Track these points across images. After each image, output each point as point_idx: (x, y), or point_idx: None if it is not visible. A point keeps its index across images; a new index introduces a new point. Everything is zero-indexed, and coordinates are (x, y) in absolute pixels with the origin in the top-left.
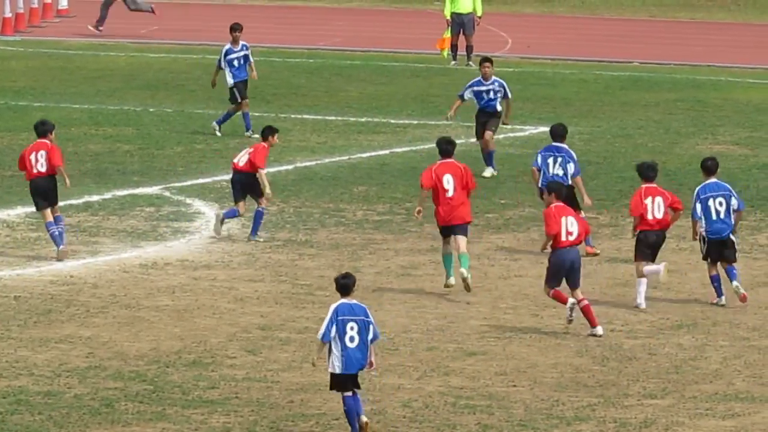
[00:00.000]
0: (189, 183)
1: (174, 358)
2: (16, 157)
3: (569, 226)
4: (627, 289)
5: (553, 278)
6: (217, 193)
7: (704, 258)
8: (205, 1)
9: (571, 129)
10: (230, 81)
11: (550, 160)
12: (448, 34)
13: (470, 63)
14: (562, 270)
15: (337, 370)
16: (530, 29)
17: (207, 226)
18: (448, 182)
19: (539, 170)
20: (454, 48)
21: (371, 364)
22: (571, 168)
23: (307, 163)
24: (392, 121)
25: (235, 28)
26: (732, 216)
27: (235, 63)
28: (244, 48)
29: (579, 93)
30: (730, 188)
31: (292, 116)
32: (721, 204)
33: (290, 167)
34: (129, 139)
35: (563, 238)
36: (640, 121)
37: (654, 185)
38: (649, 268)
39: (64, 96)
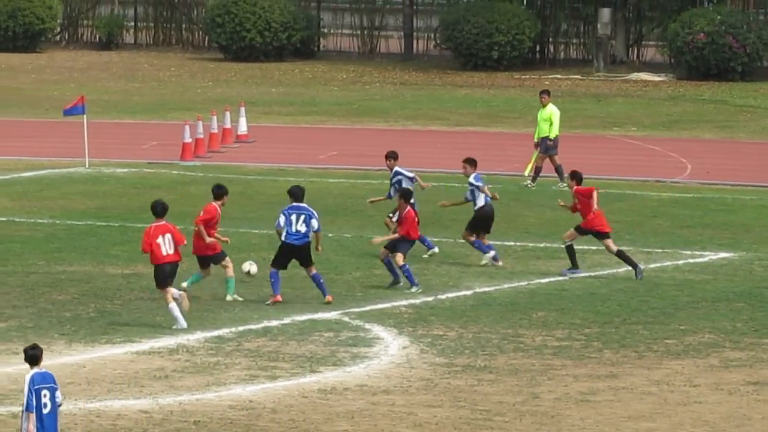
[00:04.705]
0: (368, 308)
1: None
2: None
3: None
4: None
5: None
6: (396, 318)
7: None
8: (384, 126)
9: (751, 255)
10: None
11: (293, 217)
12: (533, 158)
13: (561, 184)
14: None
15: None
16: (710, 155)
17: (386, 351)
18: None
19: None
20: (537, 170)
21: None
22: (314, 224)
23: (486, 289)
24: None
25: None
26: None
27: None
28: None
29: (759, 219)
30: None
31: None
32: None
33: (469, 293)
34: None
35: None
36: None
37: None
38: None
39: (243, 221)
